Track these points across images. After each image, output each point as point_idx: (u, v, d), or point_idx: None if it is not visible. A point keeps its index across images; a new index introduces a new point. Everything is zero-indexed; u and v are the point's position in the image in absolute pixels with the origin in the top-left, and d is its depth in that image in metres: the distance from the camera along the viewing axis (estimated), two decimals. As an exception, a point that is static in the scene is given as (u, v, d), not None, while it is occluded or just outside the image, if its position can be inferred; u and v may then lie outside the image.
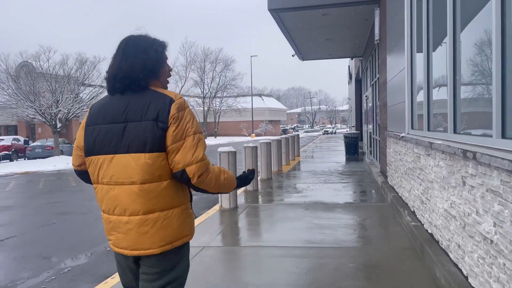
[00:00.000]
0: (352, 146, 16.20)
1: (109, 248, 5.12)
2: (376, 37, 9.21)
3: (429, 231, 4.30)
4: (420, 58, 5.22)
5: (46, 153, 24.54)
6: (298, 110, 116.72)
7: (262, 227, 5.52)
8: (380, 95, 9.14)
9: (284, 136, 13.99)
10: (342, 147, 21.63)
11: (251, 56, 54.14)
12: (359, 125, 23.44)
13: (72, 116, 22.77)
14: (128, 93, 1.77)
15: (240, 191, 8.09)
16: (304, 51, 15.11)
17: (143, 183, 1.69)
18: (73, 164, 1.96)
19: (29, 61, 23.48)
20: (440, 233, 3.85)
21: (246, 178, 2.01)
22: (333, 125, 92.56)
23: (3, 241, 5.80)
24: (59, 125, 22.62)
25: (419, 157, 4.75)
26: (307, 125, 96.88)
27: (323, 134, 60.72)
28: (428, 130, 4.77)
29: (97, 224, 6.55)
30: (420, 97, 5.21)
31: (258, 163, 10.08)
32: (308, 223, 5.55)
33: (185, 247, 1.86)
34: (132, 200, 1.71)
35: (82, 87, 23.79)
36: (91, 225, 6.55)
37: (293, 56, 15.80)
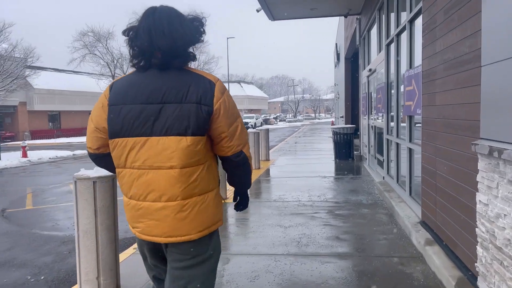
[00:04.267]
0: (345, 147, 11.09)
1: None
2: None
3: None
4: None
5: None
6: (281, 99, 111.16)
7: None
8: (430, 47, 3.94)
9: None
10: (328, 144, 16.54)
11: (227, 38, 48.39)
12: (349, 116, 18.35)
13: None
14: (165, 71, 1.65)
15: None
16: (274, 3, 9.83)
17: (183, 167, 1.62)
18: (89, 148, 1.78)
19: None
20: None
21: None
22: (255, 114, 53.39)
23: None
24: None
25: None
26: (290, 115, 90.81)
27: None
28: None
29: None
30: None
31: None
32: None
33: (215, 233, 1.81)
34: (171, 184, 1.62)
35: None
36: None
37: (258, 11, 10.46)
